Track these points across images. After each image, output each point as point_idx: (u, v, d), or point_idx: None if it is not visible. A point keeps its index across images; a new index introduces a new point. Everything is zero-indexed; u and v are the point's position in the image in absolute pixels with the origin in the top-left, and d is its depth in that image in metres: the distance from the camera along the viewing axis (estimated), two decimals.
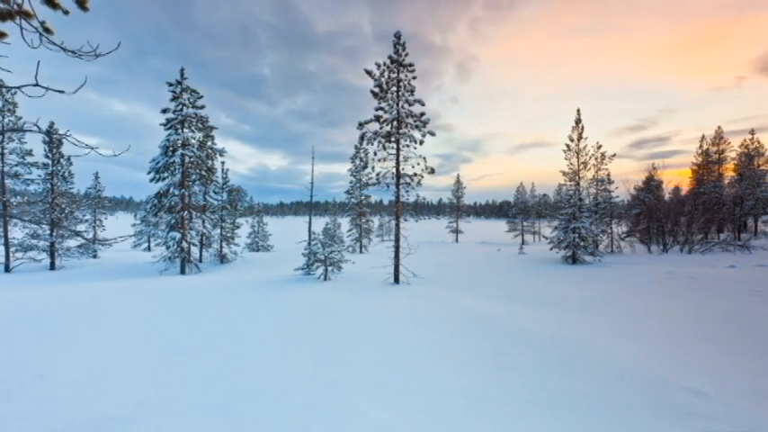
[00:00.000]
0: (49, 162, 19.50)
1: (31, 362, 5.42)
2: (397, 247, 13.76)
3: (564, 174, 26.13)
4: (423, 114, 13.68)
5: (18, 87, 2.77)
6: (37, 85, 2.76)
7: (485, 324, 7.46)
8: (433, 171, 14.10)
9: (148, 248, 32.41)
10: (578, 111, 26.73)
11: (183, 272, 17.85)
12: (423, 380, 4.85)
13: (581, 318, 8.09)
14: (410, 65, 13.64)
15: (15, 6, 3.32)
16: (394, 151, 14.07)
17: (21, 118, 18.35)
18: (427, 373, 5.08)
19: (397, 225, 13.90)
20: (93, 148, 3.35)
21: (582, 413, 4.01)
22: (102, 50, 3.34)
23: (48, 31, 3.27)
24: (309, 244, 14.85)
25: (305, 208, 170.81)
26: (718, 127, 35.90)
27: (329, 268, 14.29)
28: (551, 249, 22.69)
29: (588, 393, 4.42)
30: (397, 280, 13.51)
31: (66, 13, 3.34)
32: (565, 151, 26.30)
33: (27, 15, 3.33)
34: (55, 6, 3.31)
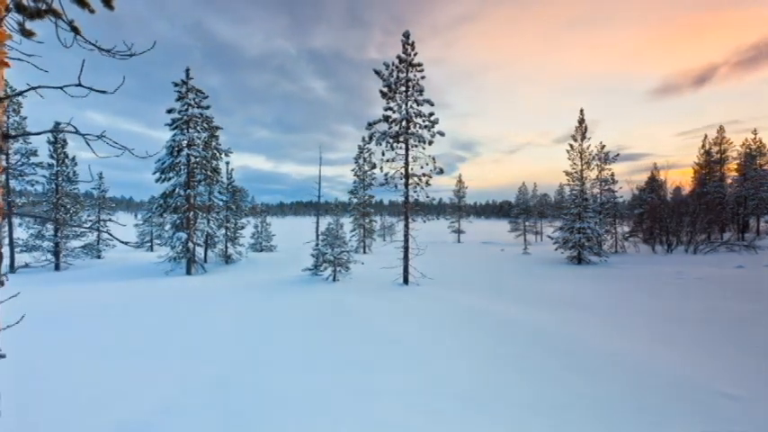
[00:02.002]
0: (54, 162, 19.44)
1: (50, 365, 5.36)
2: (406, 248, 13.71)
3: (567, 174, 26.12)
4: (432, 114, 13.64)
5: (60, 87, 2.72)
6: (80, 85, 2.71)
7: (502, 326, 7.42)
8: (441, 171, 14.07)
9: (151, 248, 32.31)
10: (581, 111, 26.65)
11: (188, 272, 17.77)
12: (449, 384, 4.80)
13: (599, 320, 8.05)
14: (419, 64, 13.59)
15: (44, 5, 3.28)
16: (402, 152, 14.04)
17: (26, 118, 18.28)
18: (453, 376, 5.04)
19: (407, 225, 13.86)
20: (128, 149, 3.30)
21: (616, 418, 3.97)
22: (137, 50, 3.32)
23: (75, 30, 3.23)
24: (318, 245, 14.78)
25: (305, 208, 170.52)
26: (720, 127, 35.92)
27: (337, 269, 14.24)
28: (556, 250, 22.66)
29: (619, 398, 4.38)
30: (406, 281, 13.47)
31: (92, 11, 3.30)
32: (568, 151, 26.27)
33: (56, 14, 3.29)
34: (84, 5, 3.27)
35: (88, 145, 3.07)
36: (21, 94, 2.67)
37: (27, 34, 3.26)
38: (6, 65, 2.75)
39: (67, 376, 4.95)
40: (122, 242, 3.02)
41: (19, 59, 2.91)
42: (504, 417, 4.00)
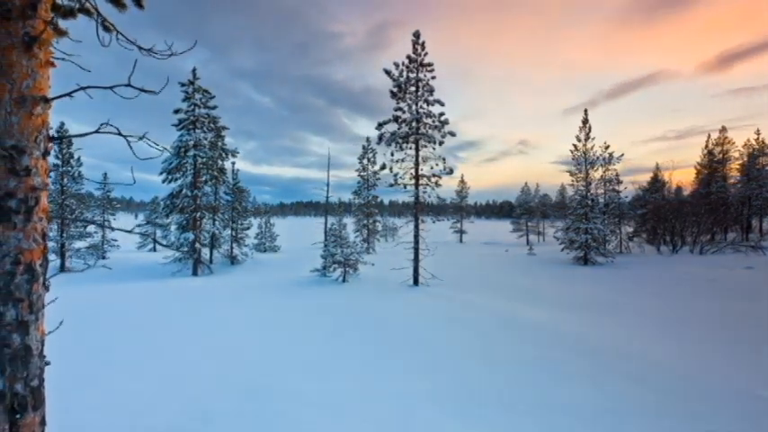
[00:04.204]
0: (60, 162, 19.34)
1: (82, 371, 5.28)
2: (416, 249, 13.65)
3: (571, 174, 26.08)
4: (442, 114, 13.58)
5: (110, 87, 2.65)
6: (129, 85, 2.64)
7: (523, 328, 7.37)
8: (451, 171, 14.02)
9: (154, 249, 32.18)
10: (585, 111, 26.68)
11: (195, 273, 17.68)
12: (480, 387, 4.74)
13: (618, 322, 8.01)
14: (429, 64, 13.53)
15: (77, 4, 3.22)
16: (412, 152, 13.97)
17: None
18: (482, 379, 4.98)
19: (416, 227, 13.80)
20: (167, 149, 3.25)
21: (667, 424, 3.92)
22: (177, 50, 3.27)
23: (107, 29, 3.18)
24: (326, 246, 14.72)
25: (305, 208, 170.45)
26: (722, 127, 35.90)
27: (347, 270, 14.17)
28: (563, 250, 22.64)
29: (666, 403, 4.33)
30: (416, 282, 13.40)
31: (123, 7, 3.25)
32: (572, 152, 26.25)
33: (89, 13, 3.23)
34: (119, 5, 3.22)
35: (130, 147, 3.00)
36: (69, 94, 2.59)
37: (59, 33, 3.20)
38: (52, 65, 2.69)
39: (101, 382, 4.88)
40: (165, 246, 2.98)
41: (63, 59, 2.86)
42: (546, 422, 3.94)
